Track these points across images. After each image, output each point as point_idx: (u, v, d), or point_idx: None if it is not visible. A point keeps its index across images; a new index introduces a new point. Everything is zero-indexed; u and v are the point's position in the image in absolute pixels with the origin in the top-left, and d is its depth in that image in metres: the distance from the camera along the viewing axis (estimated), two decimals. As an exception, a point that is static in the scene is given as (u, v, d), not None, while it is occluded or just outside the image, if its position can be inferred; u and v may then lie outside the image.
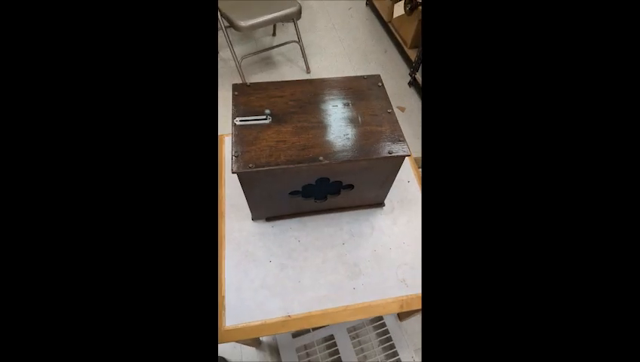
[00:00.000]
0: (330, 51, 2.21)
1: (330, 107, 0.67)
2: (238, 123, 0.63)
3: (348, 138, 0.63)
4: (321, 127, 0.64)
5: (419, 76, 1.97)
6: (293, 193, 0.70)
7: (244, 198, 0.69)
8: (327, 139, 0.63)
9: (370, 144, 0.63)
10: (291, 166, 0.59)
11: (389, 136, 0.64)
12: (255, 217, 0.77)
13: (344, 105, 0.68)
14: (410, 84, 2.07)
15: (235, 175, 0.59)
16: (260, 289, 0.69)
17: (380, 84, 0.72)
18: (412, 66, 1.99)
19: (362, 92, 0.71)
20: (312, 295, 0.69)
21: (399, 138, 0.64)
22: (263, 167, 0.58)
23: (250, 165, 0.58)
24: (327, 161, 0.60)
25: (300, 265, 0.73)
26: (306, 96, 0.69)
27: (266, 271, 0.71)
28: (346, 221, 0.79)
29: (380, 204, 0.81)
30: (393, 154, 0.62)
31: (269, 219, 0.78)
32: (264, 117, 0.65)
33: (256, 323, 0.65)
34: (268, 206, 0.74)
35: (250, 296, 0.68)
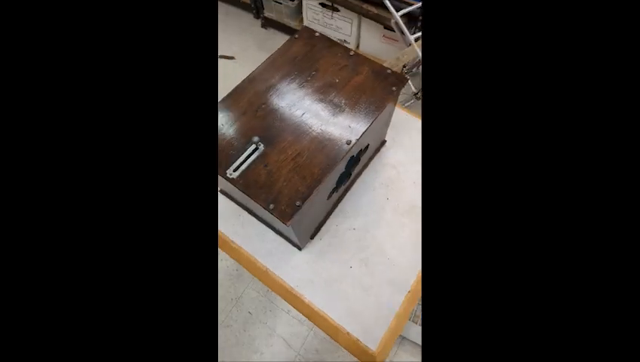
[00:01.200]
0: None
1: (296, 89, 0.57)
2: (232, 175, 0.49)
3: (344, 108, 0.55)
4: (312, 116, 0.55)
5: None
6: (330, 193, 0.62)
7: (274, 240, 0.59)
8: (330, 122, 0.54)
9: (368, 96, 0.56)
10: (329, 171, 0.50)
11: (374, 76, 0.58)
12: (303, 245, 0.67)
13: (305, 81, 0.58)
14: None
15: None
16: (367, 293, 0.63)
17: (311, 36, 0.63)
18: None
19: (308, 55, 0.61)
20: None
21: (384, 71, 0.59)
22: (309, 193, 0.48)
23: (297, 203, 0.48)
24: (355, 138, 0.52)
25: (377, 243, 0.68)
26: (260, 97, 0.57)
27: (357, 274, 0.65)
28: (370, 180, 0.75)
29: (383, 143, 0.78)
30: (394, 88, 0.57)
31: (312, 236, 0.69)
32: (254, 146, 0.52)
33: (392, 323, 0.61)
34: (310, 225, 0.64)
35: (373, 306, 0.62)
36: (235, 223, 0.72)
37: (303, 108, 0.56)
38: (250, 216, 0.72)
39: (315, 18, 1.61)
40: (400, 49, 1.50)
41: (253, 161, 0.51)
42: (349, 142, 0.52)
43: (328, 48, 0.62)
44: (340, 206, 0.72)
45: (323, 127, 0.54)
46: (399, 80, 0.58)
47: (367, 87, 0.57)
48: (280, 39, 1.82)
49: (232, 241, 0.70)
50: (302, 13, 1.64)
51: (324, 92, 0.57)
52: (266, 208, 0.47)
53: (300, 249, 0.67)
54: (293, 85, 0.58)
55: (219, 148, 0.52)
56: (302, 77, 0.59)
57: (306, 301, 0.64)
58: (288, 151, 0.52)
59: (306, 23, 1.65)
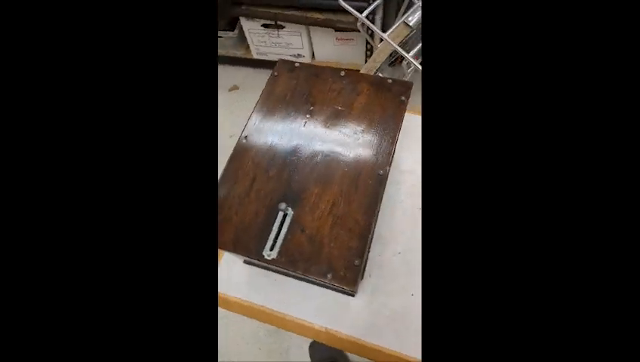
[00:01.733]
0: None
1: (300, 131, 0.50)
2: (271, 255, 0.42)
3: (360, 135, 0.49)
4: (330, 156, 0.48)
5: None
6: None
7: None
8: (352, 156, 0.48)
9: (380, 114, 0.51)
10: (373, 212, 0.44)
11: (377, 91, 0.53)
12: (356, 290, 0.60)
13: (306, 119, 0.52)
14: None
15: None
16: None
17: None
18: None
19: (297, 89, 0.54)
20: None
21: (385, 82, 0.53)
22: (363, 246, 0.42)
23: (356, 262, 0.41)
24: (387, 164, 0.46)
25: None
26: (265, 154, 0.49)
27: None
28: (394, 192, 0.69)
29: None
30: (403, 98, 0.51)
31: (361, 277, 0.62)
32: (282, 214, 0.44)
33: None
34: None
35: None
36: (270, 290, 0.64)
37: (316, 150, 0.49)
38: (284, 276, 0.64)
39: (262, 41, 1.54)
40: (356, 47, 1.47)
41: (288, 230, 0.44)
42: (382, 172, 0.46)
43: (315, 76, 0.56)
44: (375, 233, 0.66)
45: (347, 164, 0.47)
46: (404, 87, 0.52)
47: (375, 104, 0.52)
48: (244, 73, 1.74)
49: (273, 310, 0.62)
50: (246, 40, 1.57)
51: (331, 125, 0.51)
52: (324, 281, 0.40)
53: (353, 295, 0.60)
54: (295, 127, 0.51)
55: (241, 229, 0.45)
56: (301, 115, 0.52)
57: (381, 348, 0.57)
58: (321, 206, 0.45)
59: (252, 49, 1.59)
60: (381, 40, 0.85)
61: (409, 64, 0.86)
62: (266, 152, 0.50)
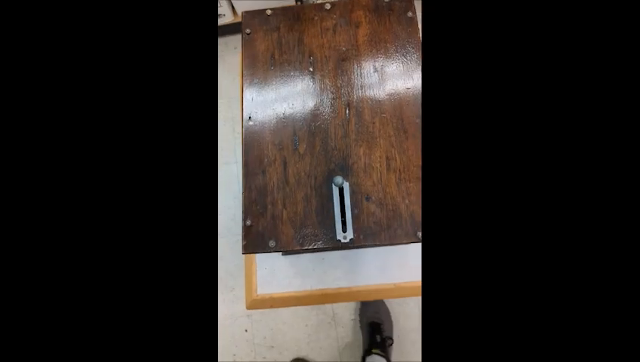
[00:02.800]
0: None
1: (309, 89, 0.42)
2: (348, 237, 0.36)
3: (381, 71, 0.42)
4: (357, 106, 0.41)
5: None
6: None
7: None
8: (383, 97, 0.41)
9: (393, 40, 0.43)
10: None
11: (377, 15, 0.44)
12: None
13: (310, 73, 0.43)
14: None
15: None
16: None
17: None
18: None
19: (284, 42, 0.44)
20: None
21: (381, 1, 0.45)
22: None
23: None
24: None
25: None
26: (283, 130, 0.41)
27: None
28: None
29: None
30: (410, 14, 0.44)
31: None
32: (338, 190, 0.38)
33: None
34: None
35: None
36: (323, 270, 0.59)
37: (340, 106, 0.41)
38: (329, 251, 0.59)
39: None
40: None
41: (353, 204, 0.37)
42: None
43: (297, 20, 0.45)
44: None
45: (383, 109, 0.41)
46: (404, 0, 0.45)
47: (382, 32, 0.44)
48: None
49: (338, 287, 0.58)
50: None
51: (343, 70, 0.43)
52: (415, 241, 0.36)
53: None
54: (303, 87, 0.42)
55: (298, 222, 0.37)
56: (303, 71, 0.43)
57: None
58: (375, 165, 0.39)
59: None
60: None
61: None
62: (282, 128, 0.41)
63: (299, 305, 0.61)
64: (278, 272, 0.60)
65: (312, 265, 0.60)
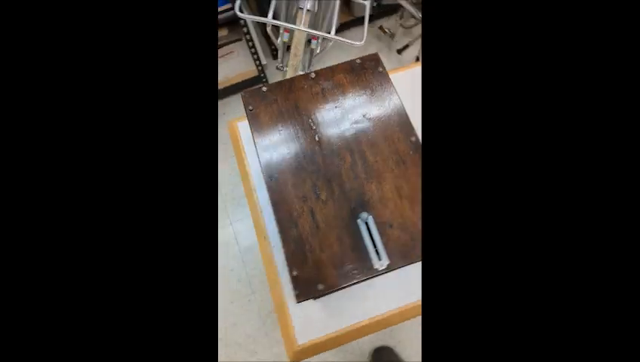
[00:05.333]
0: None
1: (315, 139, 0.49)
2: (384, 265, 0.41)
3: (369, 116, 0.50)
4: (359, 151, 0.48)
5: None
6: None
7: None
8: (378, 133, 0.48)
9: (368, 86, 0.52)
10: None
11: (353, 74, 0.53)
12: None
13: (313, 130, 0.50)
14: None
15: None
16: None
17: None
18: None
19: (283, 110, 0.51)
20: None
21: (354, 63, 0.54)
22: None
23: (452, 220, 0.43)
24: (413, 130, 0.48)
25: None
26: (303, 182, 0.47)
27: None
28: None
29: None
30: (381, 70, 0.54)
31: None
32: (366, 224, 0.43)
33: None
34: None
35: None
36: (343, 308, 0.63)
37: (345, 151, 0.48)
38: (344, 290, 0.63)
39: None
40: (239, 57, 1.43)
41: (380, 233, 0.43)
42: (414, 138, 0.48)
43: (289, 90, 0.53)
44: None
45: (381, 149, 0.48)
46: (373, 59, 0.55)
47: (362, 86, 0.53)
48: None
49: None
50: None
51: (340, 120, 0.50)
52: (440, 252, 0.42)
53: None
54: (310, 141, 0.49)
55: (337, 262, 0.42)
56: (306, 128, 0.50)
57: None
58: (388, 195, 0.45)
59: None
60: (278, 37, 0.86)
61: (318, 42, 0.89)
62: (302, 182, 0.47)
63: (340, 344, 0.62)
64: (313, 318, 0.62)
65: (340, 302, 0.63)
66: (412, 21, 1.47)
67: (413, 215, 0.44)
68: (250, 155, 0.74)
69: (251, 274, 1.23)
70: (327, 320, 0.62)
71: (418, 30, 1.45)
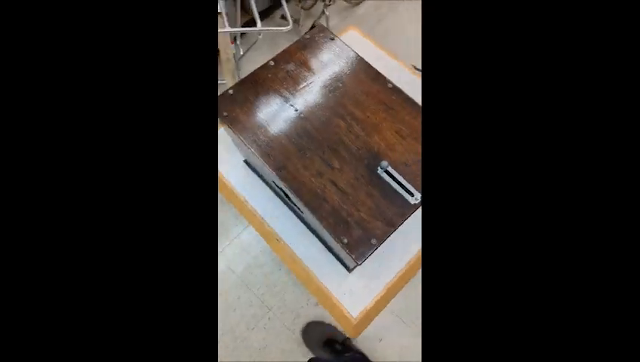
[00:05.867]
0: None
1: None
2: (418, 198, 0.44)
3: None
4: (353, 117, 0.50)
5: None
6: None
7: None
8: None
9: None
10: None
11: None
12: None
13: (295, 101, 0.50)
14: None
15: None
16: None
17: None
18: None
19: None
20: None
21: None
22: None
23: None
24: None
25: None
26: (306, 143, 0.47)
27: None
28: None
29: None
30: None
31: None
32: (385, 171, 0.45)
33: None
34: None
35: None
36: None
37: (335, 121, 0.50)
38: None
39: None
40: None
41: (401, 174, 0.46)
42: (391, 85, 0.52)
43: (255, 84, 0.53)
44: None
45: (366, 104, 0.50)
46: (319, 31, 0.56)
47: (319, 51, 0.54)
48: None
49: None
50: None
51: (317, 95, 0.51)
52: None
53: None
54: (301, 122, 0.49)
55: (377, 213, 0.44)
56: (290, 113, 0.50)
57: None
58: (392, 141, 0.48)
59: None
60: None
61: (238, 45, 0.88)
62: (310, 160, 0.47)
63: (389, 300, 0.65)
64: (355, 290, 0.64)
65: (372, 264, 0.65)
66: (309, 2, 1.51)
67: (420, 148, 0.48)
68: (229, 166, 0.71)
69: (260, 293, 1.19)
70: (369, 285, 0.64)
71: (318, 8, 1.51)
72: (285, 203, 0.67)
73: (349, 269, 0.63)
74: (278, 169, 0.47)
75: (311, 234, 0.67)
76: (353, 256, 0.42)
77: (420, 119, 0.50)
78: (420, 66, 1.65)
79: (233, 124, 0.50)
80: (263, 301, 1.18)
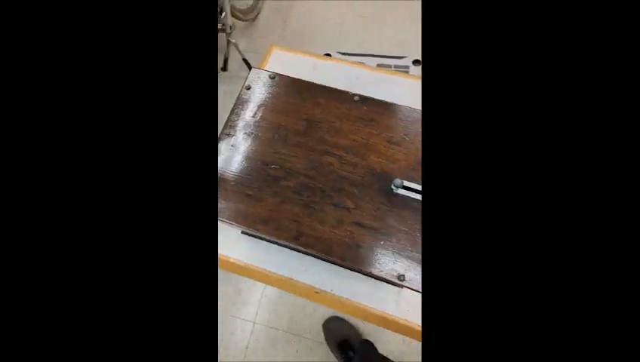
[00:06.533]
0: None
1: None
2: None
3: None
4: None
5: None
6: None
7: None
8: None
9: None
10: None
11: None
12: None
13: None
14: None
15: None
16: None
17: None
18: None
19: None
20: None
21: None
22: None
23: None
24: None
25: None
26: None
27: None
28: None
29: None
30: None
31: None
32: (400, 188, 0.42)
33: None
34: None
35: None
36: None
37: (320, 156, 0.46)
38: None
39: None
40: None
41: (415, 180, 0.43)
42: (356, 98, 0.48)
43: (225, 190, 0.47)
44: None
45: (339, 127, 0.47)
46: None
47: (275, 95, 0.50)
48: None
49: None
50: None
51: (284, 136, 0.47)
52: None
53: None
54: (288, 177, 0.45)
55: (417, 231, 0.41)
56: (273, 179, 0.45)
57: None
58: (389, 152, 0.45)
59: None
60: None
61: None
62: (323, 212, 0.43)
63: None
64: (414, 300, 0.61)
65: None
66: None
67: (418, 146, 0.45)
68: (228, 243, 0.65)
69: (314, 334, 1.14)
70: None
71: (222, 41, 1.44)
72: (306, 253, 0.63)
73: (400, 285, 0.60)
74: (296, 238, 0.43)
75: (347, 271, 0.63)
76: (423, 284, 0.39)
77: (400, 115, 0.47)
78: (347, 50, 1.62)
79: (232, 219, 0.45)
80: (320, 340, 1.13)
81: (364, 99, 0.48)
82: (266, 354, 1.12)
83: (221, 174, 0.46)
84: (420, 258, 0.40)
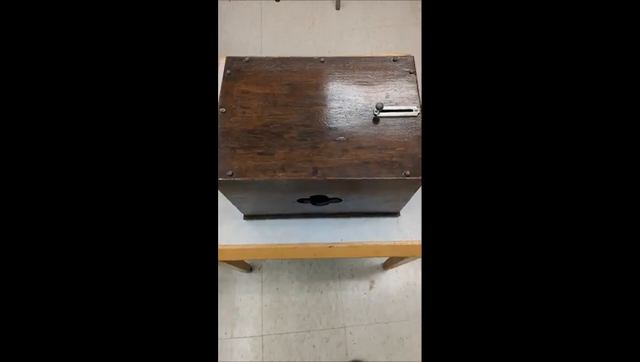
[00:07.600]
0: None
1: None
2: (418, 112, 0.53)
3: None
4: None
5: None
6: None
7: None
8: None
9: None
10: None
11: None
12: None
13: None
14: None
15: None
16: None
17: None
18: None
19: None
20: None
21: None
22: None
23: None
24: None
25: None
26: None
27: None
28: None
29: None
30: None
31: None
32: (377, 112, 0.52)
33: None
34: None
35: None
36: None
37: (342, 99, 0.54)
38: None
39: None
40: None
41: (396, 110, 0.54)
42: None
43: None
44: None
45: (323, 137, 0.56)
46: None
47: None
48: None
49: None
50: None
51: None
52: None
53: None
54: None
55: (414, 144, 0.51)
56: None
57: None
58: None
59: None
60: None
61: None
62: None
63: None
64: (410, 222, 0.71)
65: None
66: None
67: (383, 80, 0.56)
68: (231, 229, 0.67)
69: (324, 325, 1.14)
70: (416, 211, 0.72)
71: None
72: (312, 215, 0.68)
73: (396, 214, 0.69)
74: (314, 173, 0.49)
75: (349, 219, 0.70)
76: (421, 177, 0.49)
77: (361, 65, 0.58)
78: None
79: (254, 176, 0.49)
80: (333, 326, 1.14)
81: (329, 60, 0.59)
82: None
83: (230, 144, 0.51)
84: (419, 156, 0.50)
